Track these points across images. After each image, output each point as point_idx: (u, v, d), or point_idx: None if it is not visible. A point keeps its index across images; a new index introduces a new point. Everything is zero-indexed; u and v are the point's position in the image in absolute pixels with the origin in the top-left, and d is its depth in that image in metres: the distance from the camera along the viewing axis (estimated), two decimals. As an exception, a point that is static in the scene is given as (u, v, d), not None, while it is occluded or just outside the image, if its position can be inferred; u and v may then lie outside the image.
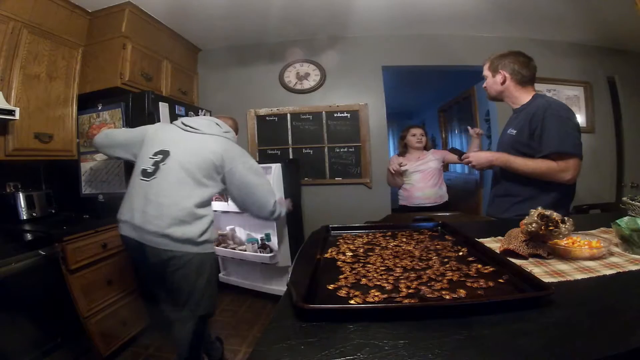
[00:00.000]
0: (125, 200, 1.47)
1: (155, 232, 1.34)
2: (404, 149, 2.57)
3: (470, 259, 0.80)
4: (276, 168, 2.39)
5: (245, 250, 2.47)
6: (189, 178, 1.40)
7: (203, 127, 1.53)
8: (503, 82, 1.46)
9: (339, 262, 0.82)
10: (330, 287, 0.67)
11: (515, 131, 1.42)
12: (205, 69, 3.14)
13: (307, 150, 3.05)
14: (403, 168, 2.39)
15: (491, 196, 1.58)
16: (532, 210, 0.82)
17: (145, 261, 1.41)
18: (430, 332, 0.49)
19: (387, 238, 1.03)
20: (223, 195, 2.30)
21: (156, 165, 1.42)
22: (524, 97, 1.45)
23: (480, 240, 0.95)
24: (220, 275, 2.73)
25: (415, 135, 2.49)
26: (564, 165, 1.29)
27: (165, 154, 1.44)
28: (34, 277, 1.46)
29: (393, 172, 2.40)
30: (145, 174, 1.42)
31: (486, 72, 1.53)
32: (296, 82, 3.05)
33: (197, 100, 3.06)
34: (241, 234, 2.68)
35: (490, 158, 1.45)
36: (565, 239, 0.83)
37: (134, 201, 1.40)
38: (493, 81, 1.49)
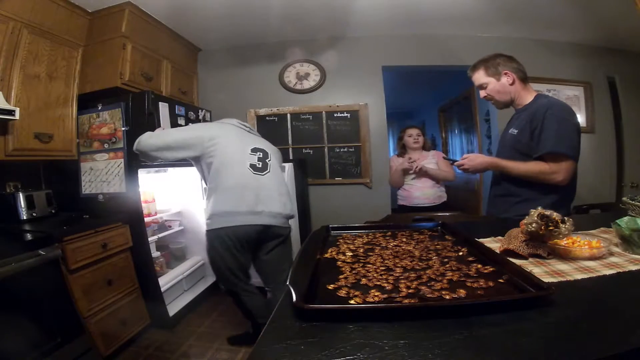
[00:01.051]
0: (239, 194, 1.59)
1: (287, 215, 1.70)
2: (402, 150, 2.57)
3: (470, 259, 0.80)
4: (289, 167, 2.43)
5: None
6: (281, 171, 1.78)
7: (252, 128, 1.87)
8: (513, 83, 1.43)
9: (339, 262, 0.82)
10: (330, 287, 0.67)
11: (516, 131, 1.41)
12: (205, 69, 3.13)
13: (307, 150, 3.05)
14: (418, 164, 2.36)
15: (491, 196, 1.58)
16: (532, 210, 0.82)
17: (261, 241, 1.69)
18: (430, 332, 0.49)
19: (387, 238, 1.03)
20: None
21: (263, 161, 1.68)
22: (528, 96, 1.44)
23: (480, 240, 0.95)
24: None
25: (412, 136, 2.50)
26: (556, 167, 1.28)
27: (263, 152, 1.72)
28: (34, 277, 1.45)
29: (409, 168, 2.38)
30: (257, 169, 1.65)
31: (485, 79, 1.46)
32: (296, 82, 3.05)
33: (197, 100, 3.06)
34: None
35: (484, 163, 1.45)
36: (565, 239, 0.83)
37: (258, 193, 1.61)
38: (500, 85, 1.44)
